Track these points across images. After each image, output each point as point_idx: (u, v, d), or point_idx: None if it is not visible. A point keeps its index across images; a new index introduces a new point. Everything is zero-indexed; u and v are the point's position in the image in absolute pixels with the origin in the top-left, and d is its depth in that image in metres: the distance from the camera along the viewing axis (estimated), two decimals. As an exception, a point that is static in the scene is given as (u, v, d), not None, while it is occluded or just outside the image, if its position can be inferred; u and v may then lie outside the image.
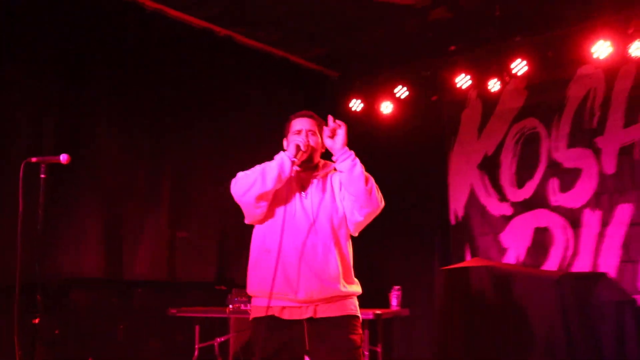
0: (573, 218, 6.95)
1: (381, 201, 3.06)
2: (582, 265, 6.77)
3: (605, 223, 6.73)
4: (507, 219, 7.42)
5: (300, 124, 3.20)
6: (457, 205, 7.77)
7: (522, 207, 7.32)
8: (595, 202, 6.84)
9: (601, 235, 6.74)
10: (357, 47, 7.52)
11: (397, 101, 7.88)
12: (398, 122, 7.93)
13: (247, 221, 3.19)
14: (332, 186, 3.17)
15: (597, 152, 6.88)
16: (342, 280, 3.03)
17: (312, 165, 3.19)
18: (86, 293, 5.94)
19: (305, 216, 3.06)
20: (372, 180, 3.01)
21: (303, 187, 3.16)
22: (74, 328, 5.73)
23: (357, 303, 3.15)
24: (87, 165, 5.68)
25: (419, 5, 6.46)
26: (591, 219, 6.84)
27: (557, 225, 7.06)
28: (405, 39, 7.28)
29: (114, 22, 6.18)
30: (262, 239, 3.11)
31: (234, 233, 7.01)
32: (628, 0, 6.29)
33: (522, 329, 4.33)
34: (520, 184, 7.38)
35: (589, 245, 6.80)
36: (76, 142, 5.68)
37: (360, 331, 3.12)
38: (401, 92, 7.78)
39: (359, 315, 3.13)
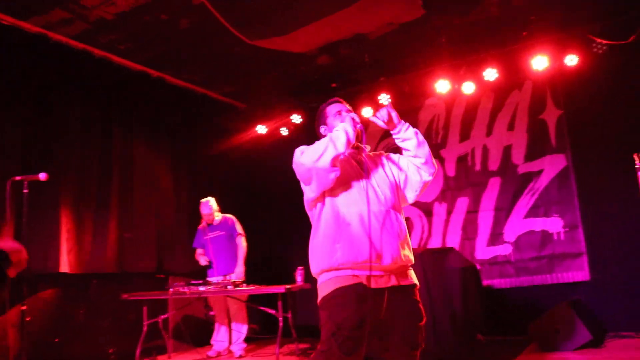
0: (427, 209, 7.25)
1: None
2: (434, 243, 7.10)
3: (449, 212, 7.09)
4: (377, 212, 7.71)
5: (337, 107, 2.83)
6: (342, 203, 7.97)
7: (390, 202, 7.64)
8: (441, 197, 7.19)
9: (447, 221, 7.10)
10: (261, 84, 7.59)
11: (293, 125, 8.05)
12: (293, 142, 7.92)
13: (315, 193, 2.63)
14: (383, 164, 2.80)
15: (442, 161, 7.22)
16: (407, 247, 2.62)
17: (356, 144, 2.76)
18: (51, 285, 5.83)
19: (373, 189, 2.63)
20: None
21: (360, 164, 2.73)
22: (43, 315, 5.64)
23: None
24: (50, 181, 5.57)
25: (309, 54, 6.70)
26: (439, 210, 7.18)
27: (415, 215, 7.33)
28: (298, 78, 7.44)
29: (68, 64, 6.11)
30: (336, 213, 2.58)
31: (167, 234, 7.12)
32: (461, 53, 6.74)
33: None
34: (387, 185, 7.69)
35: (439, 228, 7.14)
36: (42, 163, 5.59)
37: None
38: (295, 119, 7.98)
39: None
